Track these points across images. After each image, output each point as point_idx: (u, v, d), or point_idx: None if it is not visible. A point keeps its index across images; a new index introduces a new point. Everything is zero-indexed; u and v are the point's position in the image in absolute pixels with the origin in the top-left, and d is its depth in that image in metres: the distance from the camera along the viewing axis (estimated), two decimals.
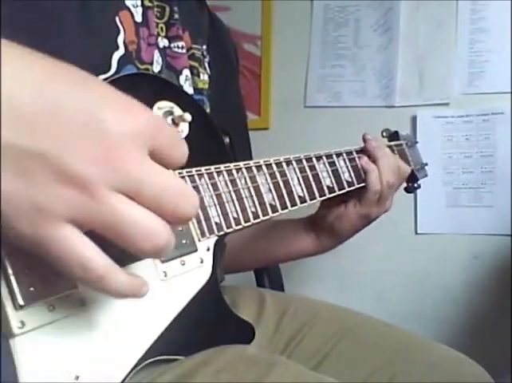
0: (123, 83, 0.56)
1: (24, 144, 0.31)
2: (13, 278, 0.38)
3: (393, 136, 0.96)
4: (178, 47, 0.72)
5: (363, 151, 0.84)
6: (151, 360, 0.50)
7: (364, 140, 0.85)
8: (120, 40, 0.62)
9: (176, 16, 0.72)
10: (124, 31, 0.62)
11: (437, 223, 1.45)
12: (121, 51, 0.62)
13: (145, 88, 0.57)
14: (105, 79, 0.59)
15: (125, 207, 0.34)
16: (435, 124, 1.44)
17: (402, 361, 0.75)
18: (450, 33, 1.44)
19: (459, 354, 0.80)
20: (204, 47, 0.81)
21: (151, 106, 0.57)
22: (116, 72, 0.61)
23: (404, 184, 0.96)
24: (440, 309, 1.44)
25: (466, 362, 0.79)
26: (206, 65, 0.81)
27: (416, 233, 1.47)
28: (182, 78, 0.73)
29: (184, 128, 0.59)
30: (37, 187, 0.32)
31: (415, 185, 0.98)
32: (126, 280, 0.36)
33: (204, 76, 0.78)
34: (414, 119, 1.46)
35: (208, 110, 0.77)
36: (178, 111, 0.58)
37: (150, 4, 0.68)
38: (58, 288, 0.41)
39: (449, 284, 1.43)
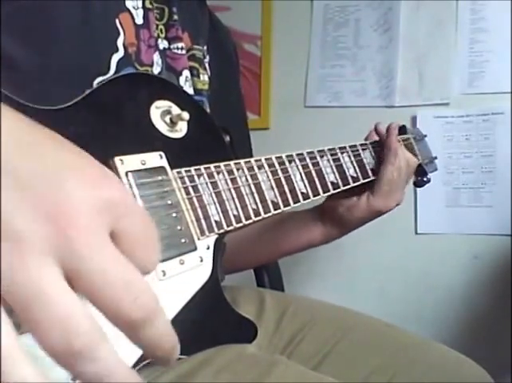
0: (120, 83, 0.56)
1: None
2: None
3: (401, 130, 0.96)
4: (177, 48, 0.72)
5: (376, 142, 0.86)
6: (152, 359, 0.50)
7: (377, 131, 0.86)
8: (120, 42, 0.62)
9: (175, 17, 0.72)
10: (124, 33, 0.62)
11: (437, 223, 1.45)
12: (121, 53, 0.62)
13: (143, 87, 0.57)
14: (103, 80, 0.59)
15: (49, 281, 0.27)
16: (435, 124, 1.44)
17: (402, 361, 0.75)
18: (450, 33, 1.44)
19: (459, 354, 0.80)
20: (205, 48, 0.81)
21: (149, 105, 0.57)
22: (115, 74, 0.61)
23: (413, 178, 0.96)
24: (440, 309, 1.44)
25: (466, 362, 0.79)
26: (207, 65, 0.81)
27: (416, 233, 1.47)
28: (182, 79, 0.73)
29: (183, 127, 0.59)
30: None
31: (425, 179, 0.98)
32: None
33: (204, 77, 0.78)
34: (414, 119, 1.46)
35: (208, 111, 0.77)
36: (176, 110, 0.58)
37: (150, 6, 0.68)
38: None
39: (449, 284, 1.43)
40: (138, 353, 0.48)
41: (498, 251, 1.38)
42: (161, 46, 0.71)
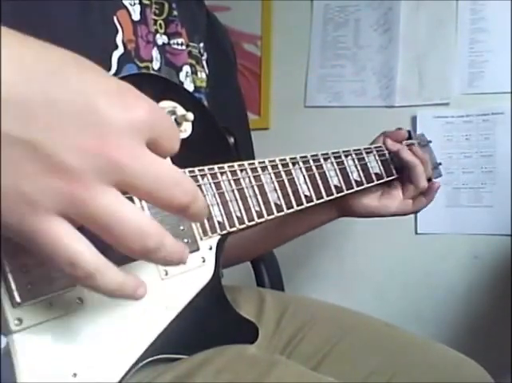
0: None
1: (14, 132, 0.30)
2: (10, 276, 0.38)
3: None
4: (177, 44, 0.72)
5: (380, 147, 0.87)
6: (152, 359, 0.50)
7: (387, 147, 0.88)
8: (119, 39, 0.62)
9: (175, 13, 0.72)
10: (123, 30, 0.63)
11: (437, 223, 1.45)
12: (120, 50, 0.62)
13: (147, 88, 0.57)
14: None
15: (115, 203, 0.33)
16: (435, 124, 1.44)
17: (402, 361, 0.75)
18: (451, 33, 1.44)
19: (459, 354, 0.80)
20: (201, 45, 0.81)
21: None
22: (117, 71, 0.61)
23: None
24: (440, 309, 1.44)
25: (466, 362, 0.79)
26: (204, 63, 0.81)
27: (416, 233, 1.47)
28: (182, 75, 0.73)
29: (187, 128, 0.59)
30: (25, 176, 0.31)
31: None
32: (118, 279, 0.35)
33: (202, 75, 0.78)
34: (414, 119, 1.46)
35: None
36: (181, 110, 0.58)
37: (147, 1, 0.68)
38: (56, 286, 0.41)
39: (449, 284, 1.43)
40: (137, 353, 0.48)
41: (498, 251, 1.38)
42: (160, 42, 0.71)
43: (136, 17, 0.66)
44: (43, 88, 0.31)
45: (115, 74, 0.61)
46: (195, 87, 0.76)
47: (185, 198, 0.35)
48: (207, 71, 0.81)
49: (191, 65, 0.76)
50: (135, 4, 0.66)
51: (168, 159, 0.37)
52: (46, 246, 0.32)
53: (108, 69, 0.60)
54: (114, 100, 0.33)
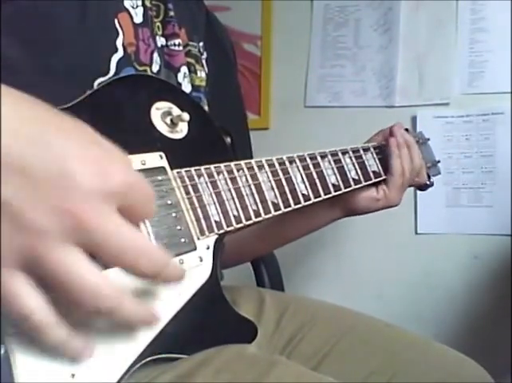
0: (121, 85, 0.56)
1: None
2: None
3: None
4: (174, 45, 0.72)
5: (378, 146, 0.87)
6: (150, 358, 0.50)
7: (391, 131, 0.89)
8: (119, 42, 0.62)
9: (171, 13, 0.72)
10: (123, 33, 0.62)
11: (437, 223, 1.45)
12: (120, 53, 0.62)
13: (143, 89, 0.57)
14: (103, 81, 0.59)
15: (74, 263, 0.34)
16: (435, 124, 1.44)
17: (402, 361, 0.75)
18: (451, 33, 1.44)
19: (459, 354, 0.80)
20: (201, 44, 0.81)
21: (149, 107, 0.57)
22: (115, 74, 0.61)
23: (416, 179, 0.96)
24: (440, 309, 1.44)
25: (466, 362, 0.79)
26: (204, 62, 0.81)
27: (416, 233, 1.47)
28: (180, 76, 0.73)
29: (183, 128, 0.59)
30: None
31: (428, 183, 0.98)
32: (65, 338, 0.36)
33: (201, 73, 0.78)
34: (414, 119, 1.46)
35: (206, 107, 0.77)
36: (176, 111, 0.58)
37: (149, 4, 0.68)
38: None
39: (449, 284, 1.43)
40: (136, 353, 0.48)
41: (498, 251, 1.38)
42: (159, 43, 0.71)
43: (138, 19, 0.65)
44: (22, 153, 0.32)
45: (112, 77, 0.61)
46: (195, 86, 0.76)
47: (151, 268, 0.36)
48: (207, 70, 0.81)
49: (191, 64, 0.76)
50: (137, 7, 0.65)
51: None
52: (5, 297, 0.34)
53: (107, 72, 0.60)
54: (90, 167, 0.34)
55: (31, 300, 0.34)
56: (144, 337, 0.49)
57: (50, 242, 0.33)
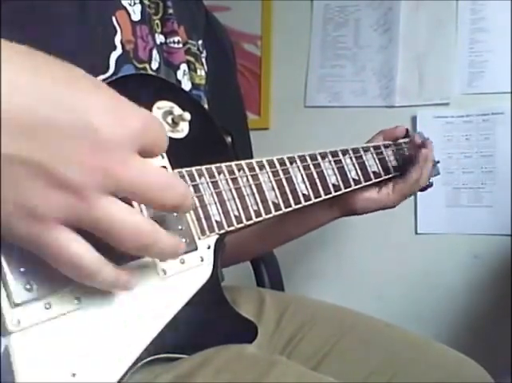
0: (121, 84, 0.56)
1: (14, 151, 0.33)
2: (9, 276, 0.38)
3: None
4: (174, 42, 0.72)
5: (378, 146, 0.88)
6: (151, 358, 0.50)
7: (424, 144, 0.90)
8: (118, 40, 0.62)
9: (170, 11, 0.72)
10: (121, 31, 0.63)
11: (437, 223, 1.45)
12: (119, 51, 0.62)
13: (144, 88, 0.57)
14: (104, 80, 0.59)
15: (112, 209, 0.37)
16: (435, 124, 1.44)
17: (402, 361, 0.75)
18: (451, 33, 1.44)
19: (459, 354, 0.80)
20: (200, 42, 0.81)
21: (150, 106, 0.57)
22: (115, 72, 0.61)
23: None
24: (440, 309, 1.44)
25: (466, 362, 0.79)
26: (203, 60, 0.81)
27: (416, 233, 1.47)
28: (179, 73, 0.73)
29: (184, 128, 0.59)
30: (29, 192, 0.34)
31: (427, 183, 0.98)
32: (113, 274, 0.40)
33: (201, 72, 0.78)
34: (414, 119, 1.46)
35: (206, 106, 0.77)
36: (177, 110, 0.58)
37: (147, 2, 0.68)
38: (54, 286, 0.41)
39: (449, 284, 1.43)
40: (136, 352, 0.48)
41: (498, 251, 1.38)
42: (158, 41, 0.71)
43: (136, 17, 0.66)
44: (40, 109, 0.33)
45: (112, 75, 0.61)
46: (194, 84, 0.76)
47: (176, 199, 0.40)
48: (207, 69, 0.81)
49: (190, 63, 0.76)
50: (135, 4, 0.66)
51: (157, 166, 0.41)
52: (54, 253, 0.37)
53: (106, 69, 0.60)
54: (107, 115, 0.36)
55: (79, 248, 0.37)
56: (145, 337, 0.49)
57: (87, 195, 0.35)
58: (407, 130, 0.95)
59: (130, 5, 0.65)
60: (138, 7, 0.66)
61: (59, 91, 0.35)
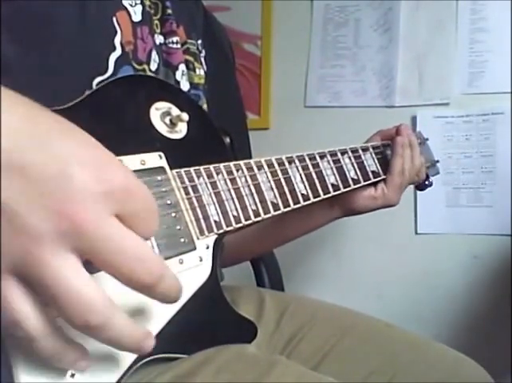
0: (119, 85, 0.56)
1: None
2: None
3: None
4: (173, 42, 0.72)
5: (377, 146, 0.88)
6: (150, 358, 0.50)
7: (398, 130, 0.91)
8: (117, 41, 0.62)
9: (169, 11, 0.72)
10: (121, 32, 0.62)
11: (437, 223, 1.45)
12: (118, 52, 0.62)
13: (142, 89, 0.57)
14: (102, 81, 0.59)
15: (67, 270, 0.33)
16: (435, 124, 1.44)
17: (402, 361, 0.75)
18: (451, 33, 1.44)
19: (459, 354, 0.80)
20: (199, 42, 0.81)
21: (148, 107, 0.57)
22: (113, 73, 0.61)
23: (415, 179, 0.96)
24: (440, 309, 1.44)
25: (466, 362, 0.79)
26: (202, 59, 0.81)
27: (416, 233, 1.47)
28: (178, 74, 0.73)
29: (182, 128, 0.59)
30: None
31: (427, 182, 0.98)
32: (59, 349, 0.35)
33: (200, 71, 0.78)
34: (414, 119, 1.46)
35: (205, 106, 0.77)
36: (176, 111, 0.58)
37: (147, 2, 0.68)
38: None
39: (449, 284, 1.43)
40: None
41: (498, 251, 1.38)
42: (157, 41, 0.71)
43: (137, 18, 0.65)
44: (22, 155, 0.32)
45: (111, 76, 0.61)
46: (193, 84, 0.76)
47: (148, 277, 0.35)
48: (206, 68, 0.81)
49: (189, 62, 0.76)
50: (136, 4, 0.65)
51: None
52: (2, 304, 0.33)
53: (105, 70, 0.60)
54: (89, 170, 0.33)
55: (23, 306, 0.33)
56: None
57: (44, 246, 0.32)
58: None
59: (131, 5, 0.65)
60: (139, 8, 0.66)
61: (47, 138, 0.33)
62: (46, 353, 0.35)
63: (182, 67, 0.73)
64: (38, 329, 0.34)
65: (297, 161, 0.71)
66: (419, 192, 1.42)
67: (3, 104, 0.32)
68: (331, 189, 0.76)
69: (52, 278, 0.32)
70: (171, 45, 0.72)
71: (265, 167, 0.66)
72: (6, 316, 0.33)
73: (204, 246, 0.57)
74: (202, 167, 0.59)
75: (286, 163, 0.70)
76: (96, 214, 0.33)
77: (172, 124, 0.58)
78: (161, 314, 0.51)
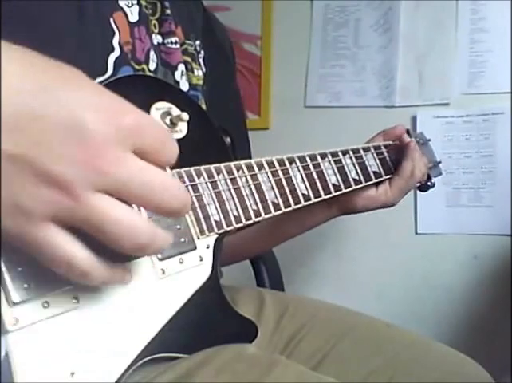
0: (119, 85, 0.56)
1: (5, 148, 0.32)
2: (7, 275, 0.38)
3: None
4: (171, 43, 0.72)
5: (378, 146, 0.88)
6: (150, 358, 0.50)
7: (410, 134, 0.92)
8: (116, 41, 0.62)
9: (168, 11, 0.72)
10: (119, 32, 0.62)
11: (437, 223, 1.45)
12: (117, 53, 0.62)
13: (142, 89, 0.57)
14: (102, 81, 0.59)
15: (105, 206, 0.35)
16: (435, 124, 1.44)
17: (402, 361, 0.75)
18: (450, 33, 1.44)
19: (459, 354, 0.80)
20: (197, 42, 0.81)
21: (148, 107, 0.57)
22: (113, 74, 0.61)
23: (417, 183, 0.97)
24: (440, 309, 1.44)
25: (466, 362, 0.79)
26: (201, 60, 0.81)
27: (416, 233, 1.47)
28: (177, 74, 0.73)
29: (183, 128, 0.59)
30: (19, 189, 0.33)
31: (429, 183, 0.98)
32: (108, 273, 0.39)
33: (198, 72, 0.78)
34: (414, 119, 1.46)
35: (204, 106, 0.77)
36: (176, 111, 0.58)
37: (144, 2, 0.68)
38: (53, 285, 0.41)
39: (449, 284, 1.43)
40: (135, 352, 0.48)
41: (498, 251, 1.38)
42: (155, 41, 0.71)
43: (134, 18, 0.65)
44: (30, 105, 0.33)
45: (111, 77, 0.61)
46: (192, 84, 0.76)
47: (174, 203, 0.38)
48: (204, 69, 0.81)
49: (187, 63, 0.76)
50: (132, 5, 0.66)
51: (156, 168, 0.38)
52: (45, 251, 0.35)
53: (104, 71, 0.60)
54: (100, 113, 0.35)
55: (70, 247, 0.36)
56: (144, 336, 0.49)
57: (76, 192, 0.34)
58: (407, 131, 0.95)
59: (128, 6, 0.65)
60: (136, 8, 0.66)
61: (53, 87, 0.34)
62: (99, 280, 0.38)
63: (181, 67, 0.73)
64: (89, 263, 0.37)
65: (297, 161, 0.71)
66: (419, 192, 1.42)
67: (6, 58, 0.33)
68: (332, 189, 0.76)
69: (94, 216, 0.35)
70: (169, 46, 0.72)
71: (266, 166, 0.66)
72: (57, 260, 0.36)
73: (204, 245, 0.57)
74: (202, 167, 0.59)
75: (287, 163, 0.69)
76: (114, 154, 0.35)
77: (173, 124, 0.58)
78: (161, 314, 0.51)
